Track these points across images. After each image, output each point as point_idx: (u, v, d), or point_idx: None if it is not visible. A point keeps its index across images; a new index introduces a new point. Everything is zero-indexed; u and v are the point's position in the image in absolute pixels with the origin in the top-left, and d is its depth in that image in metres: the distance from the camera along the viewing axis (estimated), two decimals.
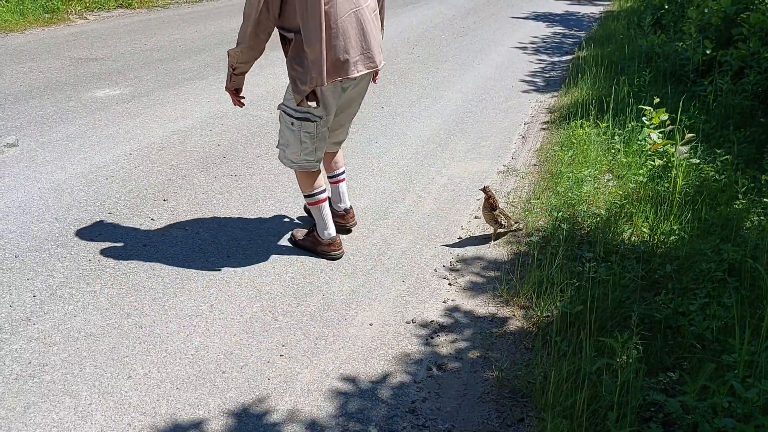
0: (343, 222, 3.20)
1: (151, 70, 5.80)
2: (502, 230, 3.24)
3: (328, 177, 3.19)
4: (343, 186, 3.20)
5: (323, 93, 2.65)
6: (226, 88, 2.85)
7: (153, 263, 2.87)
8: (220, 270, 2.85)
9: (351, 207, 3.25)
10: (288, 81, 2.70)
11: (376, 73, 2.87)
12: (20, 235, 3.00)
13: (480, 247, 3.18)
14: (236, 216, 3.36)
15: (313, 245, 3.04)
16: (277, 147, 2.95)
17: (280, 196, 3.60)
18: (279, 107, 2.83)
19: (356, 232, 3.26)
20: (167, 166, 3.87)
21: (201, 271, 2.83)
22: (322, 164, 3.00)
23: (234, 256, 2.98)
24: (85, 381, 2.15)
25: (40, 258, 2.83)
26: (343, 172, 3.20)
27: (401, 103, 5.35)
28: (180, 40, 7.11)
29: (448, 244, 3.19)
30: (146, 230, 3.14)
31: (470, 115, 5.17)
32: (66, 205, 3.31)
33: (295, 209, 3.45)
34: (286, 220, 3.35)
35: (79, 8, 8.14)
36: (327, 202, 3.01)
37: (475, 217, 3.48)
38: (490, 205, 3.14)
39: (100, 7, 8.44)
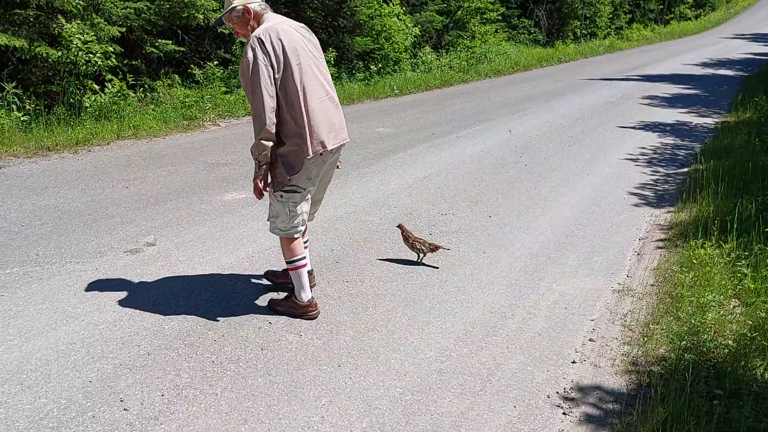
0: None
1: None
2: (422, 255, 4.24)
3: None
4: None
5: (308, 167, 3.25)
6: (254, 180, 3.28)
7: (269, 368, 2.98)
8: (331, 380, 2.92)
9: (312, 270, 3.76)
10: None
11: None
12: (153, 332, 3.24)
13: (596, 373, 3.05)
14: (347, 322, 3.45)
15: (291, 309, 3.49)
16: (267, 220, 3.46)
17: (389, 305, 3.67)
18: (268, 186, 3.33)
19: (465, 348, 3.24)
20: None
21: (313, 380, 2.91)
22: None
23: (344, 366, 3.04)
24: None
25: (169, 357, 3.03)
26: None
27: (509, 213, 5.39)
28: None
29: (561, 368, 3.09)
30: (264, 333, 3.29)
31: (580, 228, 5.11)
32: (194, 305, 3.56)
33: (404, 320, 3.50)
34: (396, 330, 3.39)
35: (213, 116, 9.03)
36: (305, 269, 3.46)
37: (590, 340, 3.36)
38: (405, 239, 4.22)
39: (230, 115, 9.32)
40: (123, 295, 3.64)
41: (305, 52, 3.22)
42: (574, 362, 3.15)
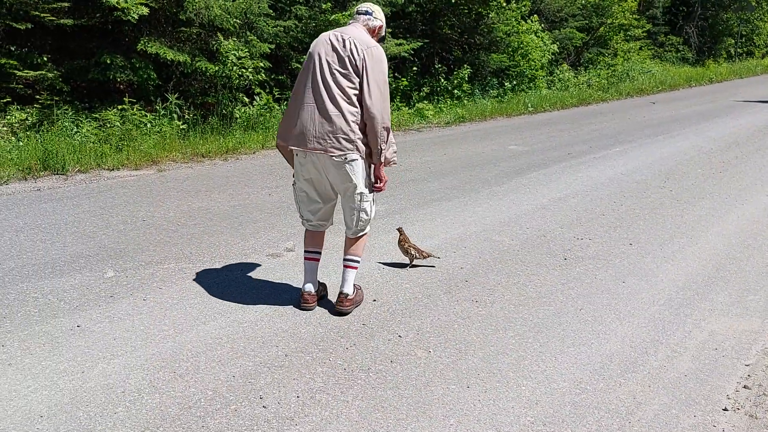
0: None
1: (403, 190, 6.35)
2: (416, 261, 4.39)
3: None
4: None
5: (289, 157, 3.63)
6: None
7: (398, 381, 3.01)
8: (459, 400, 2.88)
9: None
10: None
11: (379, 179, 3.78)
12: (290, 335, 3.40)
13: (751, 424, 2.77)
14: (476, 343, 3.40)
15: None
16: None
17: (519, 329, 3.57)
18: None
19: (601, 382, 3.07)
20: (415, 284, 4.12)
21: (441, 398, 2.89)
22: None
23: (473, 388, 2.99)
24: None
25: (304, 360, 3.16)
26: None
27: (652, 241, 5.07)
28: (430, 162, 7.72)
29: (710, 415, 2.84)
30: (394, 345, 3.33)
31: (733, 262, 4.69)
32: (327, 311, 3.69)
33: (535, 346, 3.39)
34: (527, 356, 3.29)
35: None
36: (307, 261, 3.75)
37: (745, 387, 3.06)
38: (400, 243, 4.31)
39: None
40: (264, 296, 3.85)
41: (322, 60, 3.47)
42: (725, 410, 2.88)
